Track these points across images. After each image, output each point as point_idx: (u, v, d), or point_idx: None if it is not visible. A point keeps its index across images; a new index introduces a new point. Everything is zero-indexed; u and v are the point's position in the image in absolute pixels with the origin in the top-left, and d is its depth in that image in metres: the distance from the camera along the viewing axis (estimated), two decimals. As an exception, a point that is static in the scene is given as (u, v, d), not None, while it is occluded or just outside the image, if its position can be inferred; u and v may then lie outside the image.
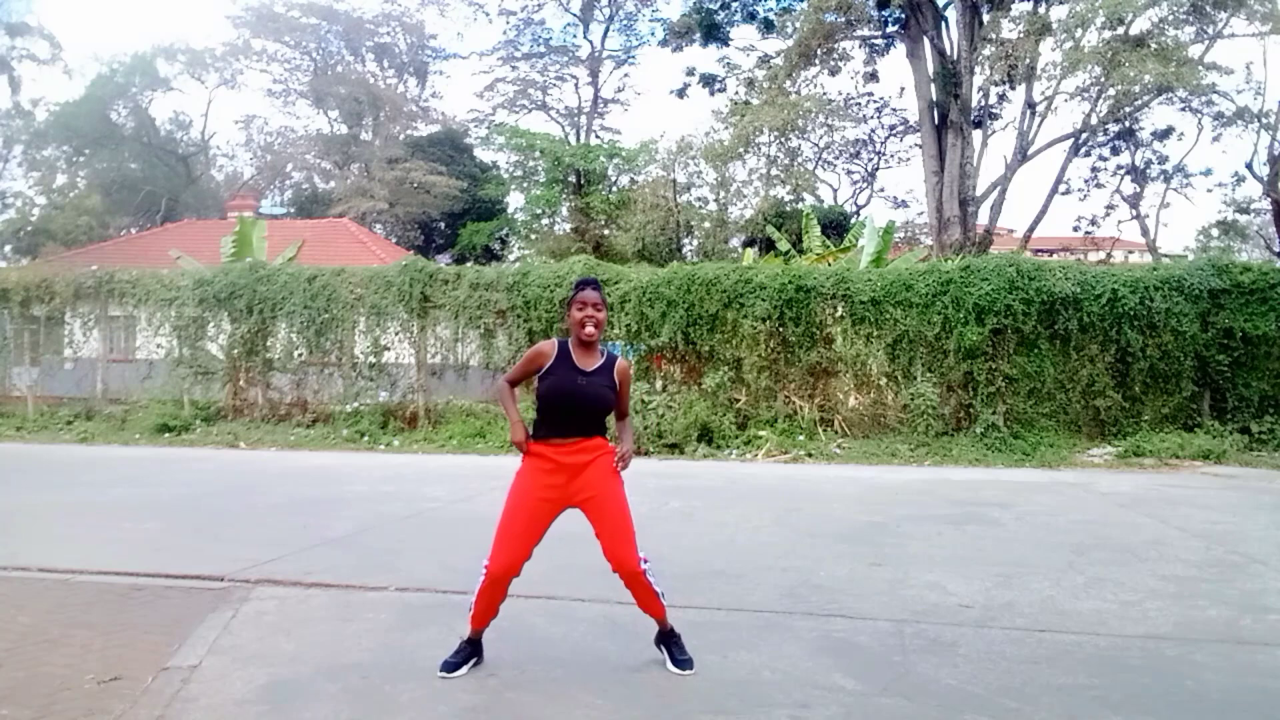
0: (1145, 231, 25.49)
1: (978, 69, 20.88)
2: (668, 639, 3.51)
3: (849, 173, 32.90)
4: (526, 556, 3.35)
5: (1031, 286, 11.08)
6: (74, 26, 63.54)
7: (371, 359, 12.92)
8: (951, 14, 21.87)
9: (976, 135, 22.49)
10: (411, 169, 35.98)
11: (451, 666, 3.37)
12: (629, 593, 3.42)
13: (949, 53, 21.66)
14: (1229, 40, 23.12)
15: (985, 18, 20.65)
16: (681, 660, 3.44)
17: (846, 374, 11.71)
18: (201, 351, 13.59)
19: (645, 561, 3.37)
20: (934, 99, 21.71)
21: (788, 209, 27.02)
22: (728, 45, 26.02)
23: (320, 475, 9.21)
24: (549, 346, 3.45)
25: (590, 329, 3.38)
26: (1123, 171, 25.81)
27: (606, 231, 30.62)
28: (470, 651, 3.44)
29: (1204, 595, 4.57)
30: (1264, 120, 22.03)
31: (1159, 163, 25.58)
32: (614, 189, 32.39)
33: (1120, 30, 19.15)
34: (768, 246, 22.98)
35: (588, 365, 3.41)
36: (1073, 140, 22.80)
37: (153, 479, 8.78)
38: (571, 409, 3.37)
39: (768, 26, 24.52)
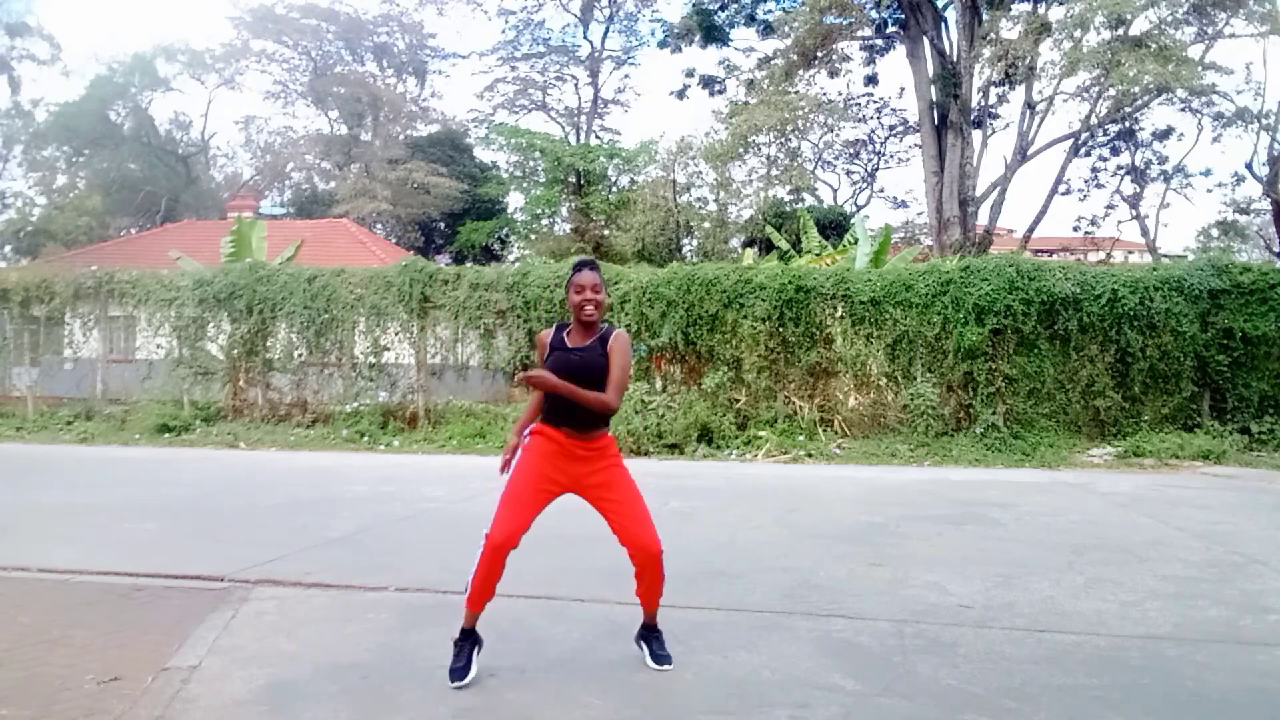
0: (1145, 232, 25.50)
1: (977, 69, 20.88)
2: (650, 634, 3.53)
3: (849, 173, 32.94)
4: (525, 528, 3.27)
5: (1031, 287, 11.07)
6: (74, 26, 63.61)
7: (371, 359, 12.91)
8: (951, 14, 21.90)
9: (976, 135, 22.51)
10: (413, 170, 35.97)
11: (461, 672, 3.25)
12: (638, 582, 3.39)
13: (949, 53, 21.67)
14: (1229, 40, 23.11)
15: (985, 18, 20.65)
16: (661, 656, 3.46)
17: (846, 374, 11.70)
18: (201, 352, 13.58)
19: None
20: (934, 99, 21.72)
21: (787, 209, 27.02)
22: (727, 46, 26.06)
23: (320, 475, 9.21)
24: (546, 334, 3.49)
25: (590, 310, 3.37)
26: (1123, 172, 25.85)
27: (606, 232, 30.64)
28: (470, 647, 3.31)
29: (1204, 595, 4.56)
30: (1264, 120, 22.04)
31: (1159, 163, 25.64)
32: (614, 189, 32.41)
33: (1120, 30, 19.15)
34: (767, 247, 22.98)
35: (581, 343, 3.41)
36: (1072, 140, 22.81)
37: (153, 479, 8.78)
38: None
39: (767, 29, 24.53)
